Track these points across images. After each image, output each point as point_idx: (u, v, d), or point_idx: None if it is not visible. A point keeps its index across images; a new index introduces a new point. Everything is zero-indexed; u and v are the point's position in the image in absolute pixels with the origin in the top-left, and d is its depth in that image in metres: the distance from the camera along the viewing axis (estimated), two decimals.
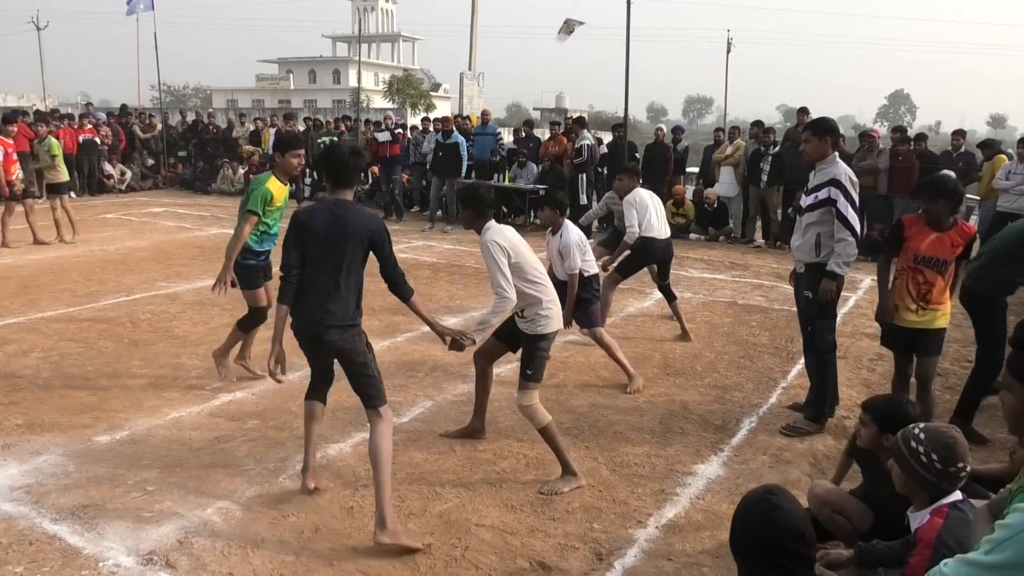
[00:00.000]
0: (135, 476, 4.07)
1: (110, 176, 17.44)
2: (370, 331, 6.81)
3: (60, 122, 16.47)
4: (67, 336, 6.57)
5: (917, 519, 2.55)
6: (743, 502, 2.03)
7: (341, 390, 5.40)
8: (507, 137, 16.67)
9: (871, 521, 3.19)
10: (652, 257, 6.82)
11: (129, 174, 17.78)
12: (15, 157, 10.94)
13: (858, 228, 4.73)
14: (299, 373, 5.74)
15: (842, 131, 5.12)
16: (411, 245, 11.57)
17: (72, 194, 15.92)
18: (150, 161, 19.02)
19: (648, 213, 6.62)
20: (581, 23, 16.97)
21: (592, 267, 5.80)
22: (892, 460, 2.62)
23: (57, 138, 12.62)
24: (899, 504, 3.05)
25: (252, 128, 18.83)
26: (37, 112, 15.91)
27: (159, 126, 19.52)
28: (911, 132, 12.14)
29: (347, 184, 3.71)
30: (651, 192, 6.93)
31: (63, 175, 11.49)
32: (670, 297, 7.09)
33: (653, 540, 3.61)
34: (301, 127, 17.44)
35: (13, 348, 6.22)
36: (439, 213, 13.85)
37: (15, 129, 11.91)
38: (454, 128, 13.73)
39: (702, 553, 3.49)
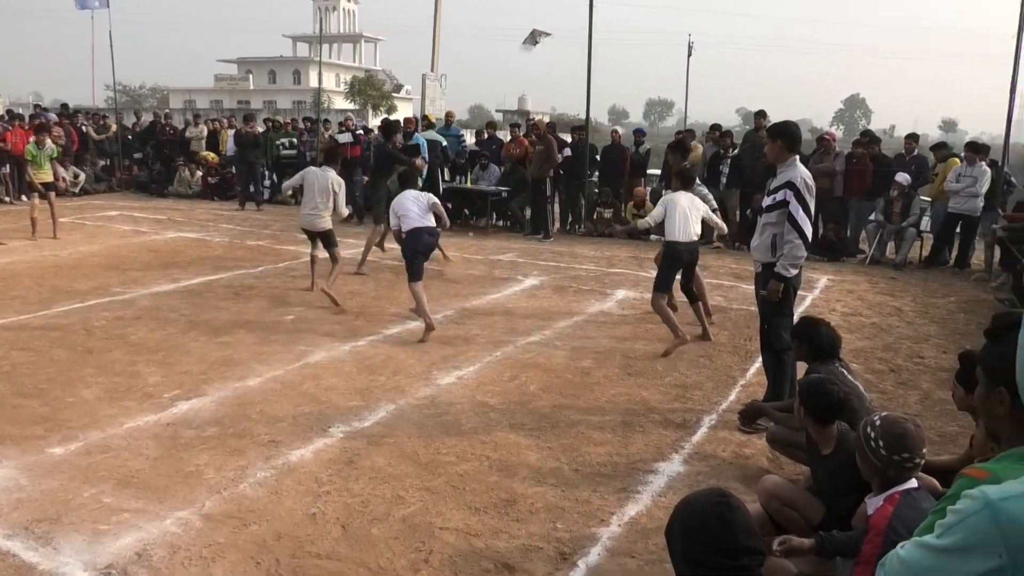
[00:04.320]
0: (90, 488, 3.99)
1: (63, 179, 17.03)
2: (331, 335, 6.81)
3: (10, 123, 16.06)
4: (18, 345, 6.41)
5: (872, 505, 2.63)
6: (690, 509, 1.98)
7: (302, 395, 5.37)
8: (469, 139, 16.64)
9: (822, 513, 3.27)
10: (679, 260, 6.74)
11: (83, 176, 17.37)
12: None
13: (808, 231, 4.83)
14: (259, 379, 5.68)
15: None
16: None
17: (24, 196, 15.56)
18: (102, 162, 18.60)
19: (675, 217, 6.60)
20: (547, 34, 17.01)
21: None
22: (856, 450, 2.75)
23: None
24: (843, 493, 3.14)
25: (207, 129, 18.51)
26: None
27: (113, 127, 19.11)
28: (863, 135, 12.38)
29: None
30: (692, 196, 6.86)
31: (51, 175, 11.77)
32: (692, 298, 7.11)
33: (616, 538, 3.64)
34: (260, 128, 17.21)
35: None
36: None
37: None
38: (415, 129, 13.64)
39: (664, 550, 3.51)
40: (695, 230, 6.75)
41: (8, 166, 15.67)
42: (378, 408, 5.18)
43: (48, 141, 11.96)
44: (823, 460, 3.35)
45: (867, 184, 11.45)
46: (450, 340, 6.78)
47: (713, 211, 7.43)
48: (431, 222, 7.08)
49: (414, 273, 6.91)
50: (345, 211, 8.92)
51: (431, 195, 7.30)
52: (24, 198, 15.47)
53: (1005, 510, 1.16)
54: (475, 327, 7.23)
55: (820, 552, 2.82)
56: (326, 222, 8.31)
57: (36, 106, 24.69)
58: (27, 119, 17.06)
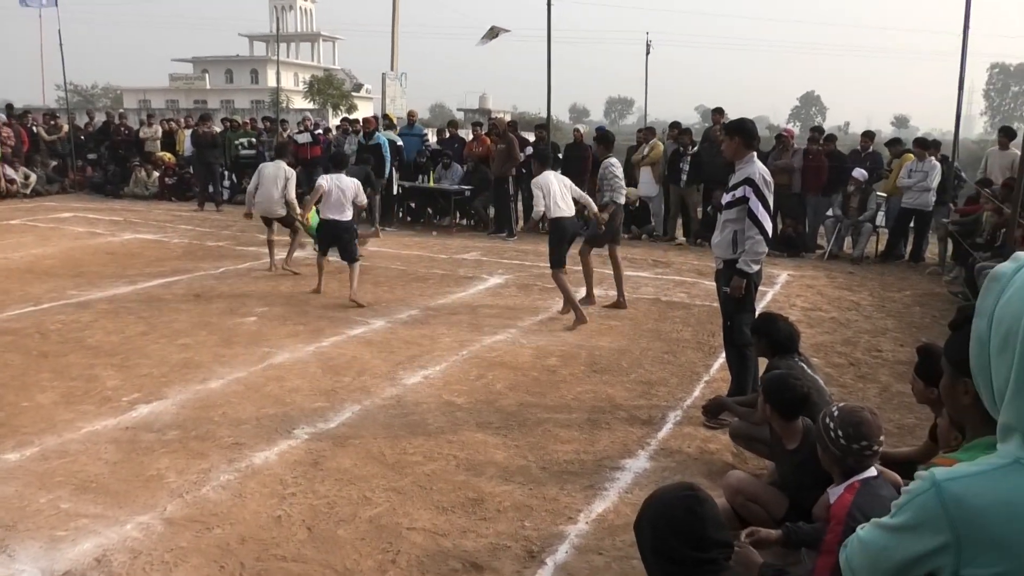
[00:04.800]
0: (47, 494, 3.89)
1: (13, 180, 16.58)
2: (295, 336, 6.74)
3: None
4: None
5: (833, 495, 2.68)
6: (659, 503, 1.99)
7: (266, 397, 5.30)
8: (431, 138, 16.57)
9: (786, 507, 3.32)
10: (565, 234, 7.49)
11: (34, 178, 16.93)
12: None
13: (768, 227, 4.90)
14: (221, 381, 5.60)
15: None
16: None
17: None
18: (53, 163, 18.14)
19: (553, 194, 7.35)
20: (507, 31, 17.00)
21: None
22: (816, 440, 2.80)
23: None
24: (808, 487, 3.20)
25: (162, 129, 18.16)
26: None
27: (65, 127, 18.64)
28: (823, 133, 12.61)
29: None
30: (557, 175, 7.63)
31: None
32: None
33: (584, 535, 3.66)
34: (218, 128, 16.94)
35: None
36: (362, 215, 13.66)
37: None
38: (376, 129, 13.57)
39: (631, 546, 3.53)
40: (570, 205, 7.49)
41: None
42: (343, 409, 5.13)
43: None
44: (788, 455, 3.40)
45: (823, 180, 11.66)
46: (415, 339, 6.75)
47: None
48: (346, 216, 8.18)
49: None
50: (294, 198, 9.31)
51: (356, 182, 8.32)
52: None
53: (949, 490, 1.21)
54: (440, 326, 7.21)
55: (787, 544, 2.86)
56: (282, 209, 9.27)
57: None
58: None
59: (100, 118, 19.94)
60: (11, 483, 4.00)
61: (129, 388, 5.43)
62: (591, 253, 8.09)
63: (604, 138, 8.29)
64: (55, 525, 3.60)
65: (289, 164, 9.51)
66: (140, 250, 10.90)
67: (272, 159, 9.96)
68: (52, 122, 18.78)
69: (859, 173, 11.20)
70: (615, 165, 7.97)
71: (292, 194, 9.25)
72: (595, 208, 7.90)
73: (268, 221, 9.50)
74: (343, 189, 8.17)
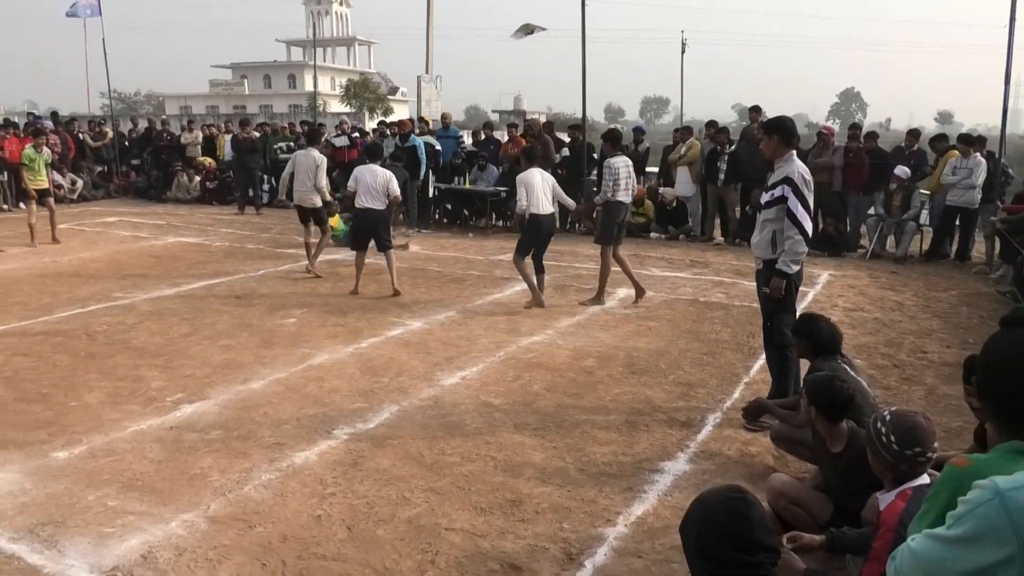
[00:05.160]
0: (95, 491, 3.98)
1: (60, 186, 17.01)
2: (334, 337, 6.81)
3: (5, 131, 16.03)
4: (20, 351, 6.39)
5: (883, 501, 2.62)
6: (710, 504, 1.99)
7: (306, 397, 5.36)
8: (467, 140, 16.63)
9: (830, 511, 3.26)
10: (540, 231, 7.89)
11: (80, 183, 17.34)
12: None
13: (808, 226, 4.82)
14: (262, 382, 5.67)
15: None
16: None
17: (21, 204, 15.55)
18: (99, 169, 18.57)
19: (535, 191, 7.72)
20: (542, 29, 16.96)
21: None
22: (867, 444, 2.74)
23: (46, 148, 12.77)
24: (853, 491, 3.14)
25: (202, 135, 18.49)
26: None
27: (110, 134, 19.08)
28: (862, 130, 12.39)
29: None
30: (541, 171, 7.99)
31: (47, 181, 12.04)
32: (539, 269, 8.10)
33: (623, 538, 3.63)
34: (257, 133, 17.19)
35: None
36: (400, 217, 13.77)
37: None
38: (411, 131, 13.65)
39: (671, 549, 3.52)
40: (551, 202, 7.91)
41: (5, 174, 15.64)
42: (382, 409, 5.17)
43: (45, 147, 12.08)
44: (833, 458, 3.34)
45: (864, 178, 11.45)
46: (453, 341, 6.78)
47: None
48: (381, 204, 8.34)
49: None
50: (324, 185, 9.43)
51: (390, 173, 8.45)
52: (22, 205, 15.49)
53: (1015, 499, 1.16)
54: (477, 327, 7.22)
55: (831, 549, 2.81)
56: (316, 198, 9.34)
57: (30, 114, 24.66)
58: (22, 127, 17.01)
59: (143, 124, 20.34)
60: (61, 480, 4.10)
61: (173, 388, 5.53)
62: (619, 250, 8.17)
63: (611, 136, 8.38)
64: (103, 522, 3.68)
65: (321, 152, 9.72)
66: (182, 253, 11.11)
67: (304, 147, 10.00)
68: (97, 129, 19.23)
69: (901, 171, 10.98)
70: (612, 167, 7.88)
71: (323, 181, 9.34)
72: (571, 203, 8.71)
73: (304, 216, 9.52)
74: (376, 176, 8.31)
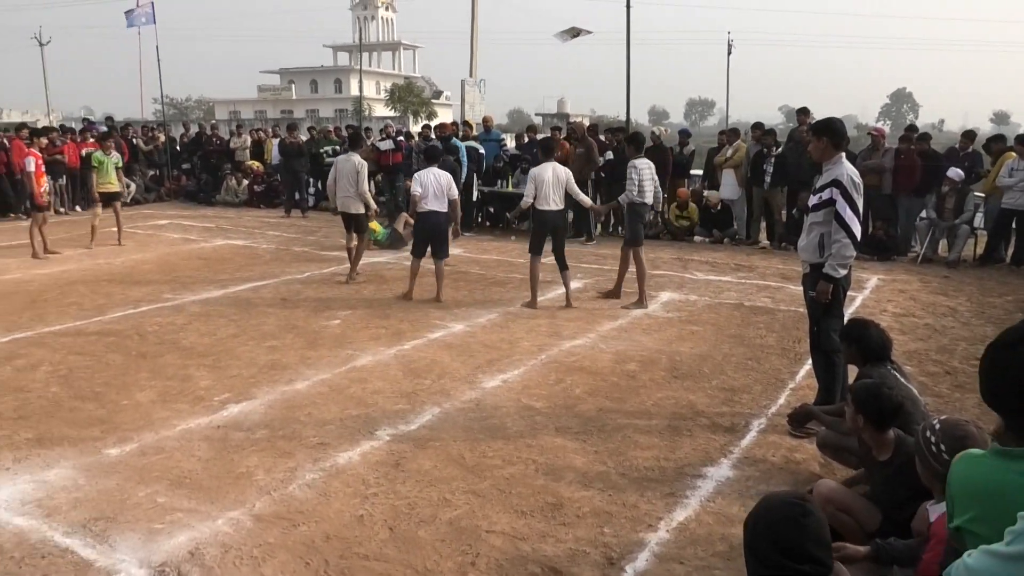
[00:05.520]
0: (145, 488, 4.08)
1: (127, 187, 17.49)
2: (377, 339, 6.87)
3: (64, 137, 16.54)
4: (75, 350, 6.59)
5: (934, 512, 2.55)
6: (769, 504, 2.00)
7: (349, 398, 5.42)
8: (510, 143, 16.66)
9: (879, 520, 3.19)
10: (546, 226, 7.98)
11: (133, 187, 17.81)
12: (44, 169, 11.70)
13: (857, 230, 4.71)
14: (307, 383, 5.76)
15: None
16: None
17: (77, 208, 16.03)
18: (151, 173, 19.06)
19: (545, 187, 7.79)
20: (588, 32, 16.93)
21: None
22: (916, 454, 2.67)
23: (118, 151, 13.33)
24: (900, 500, 3.06)
25: (250, 140, 18.85)
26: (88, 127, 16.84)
27: (162, 138, 19.57)
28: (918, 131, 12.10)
29: None
30: (556, 166, 8.02)
31: (118, 185, 12.46)
32: (562, 267, 8.12)
33: (664, 544, 3.60)
34: (304, 137, 17.47)
35: (22, 363, 6.23)
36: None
37: (45, 142, 13.02)
38: (452, 134, 13.70)
39: (714, 556, 3.48)
40: (560, 199, 7.93)
41: (64, 178, 16.13)
42: (424, 411, 5.20)
43: (113, 150, 12.56)
44: (879, 466, 3.27)
45: (916, 180, 11.18)
46: (494, 343, 6.79)
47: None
48: (444, 207, 8.25)
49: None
50: (366, 190, 9.27)
51: (449, 176, 8.37)
52: (78, 208, 15.96)
53: None
54: (519, 330, 7.23)
55: (877, 560, 2.75)
56: (358, 204, 9.18)
57: (85, 120, 25.42)
58: (78, 133, 17.53)
59: (194, 129, 20.83)
60: (113, 477, 4.21)
61: (220, 388, 5.64)
62: (639, 253, 8.22)
63: (634, 139, 8.69)
64: (152, 518, 3.77)
65: (364, 158, 9.50)
66: (230, 255, 11.33)
67: (345, 151, 9.82)
68: (150, 134, 19.75)
69: (954, 173, 10.69)
70: (636, 168, 8.11)
71: (365, 186, 9.19)
72: (587, 201, 8.78)
73: (347, 221, 9.38)
74: (439, 179, 8.21)
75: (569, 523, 3.76)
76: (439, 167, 8.63)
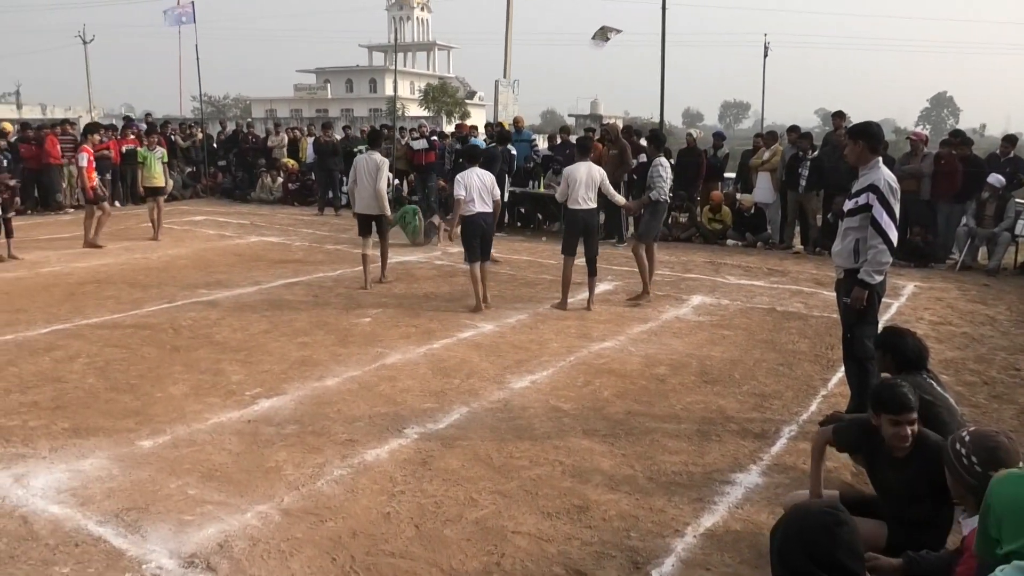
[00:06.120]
0: (176, 480, 4.14)
1: (170, 182, 17.78)
2: (406, 337, 6.91)
3: (106, 134, 16.85)
4: (112, 342, 6.71)
5: (968, 525, 2.50)
6: (802, 512, 1.97)
7: (378, 396, 5.45)
8: (542, 143, 16.67)
9: (885, 537, 3.12)
10: (577, 225, 7.98)
11: (171, 183, 18.10)
12: (95, 165, 12.23)
13: (893, 236, 4.64)
14: (337, 379, 5.80)
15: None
16: (446, 252, 11.62)
17: (117, 203, 16.32)
18: (188, 169, 19.37)
19: (578, 186, 7.80)
20: (618, 31, 16.88)
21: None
22: (945, 467, 2.61)
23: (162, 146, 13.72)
24: (917, 500, 3.00)
25: (287, 138, 19.07)
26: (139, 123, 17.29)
27: (199, 136, 19.88)
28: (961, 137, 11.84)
29: None
30: (591, 165, 8.02)
31: (163, 179, 12.84)
32: (591, 272, 8.11)
33: (691, 549, 3.57)
34: (339, 136, 17.62)
35: (60, 354, 6.37)
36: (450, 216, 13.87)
37: (97, 138, 13.35)
38: (469, 134, 13.69)
39: (741, 563, 3.44)
40: (592, 198, 7.93)
41: (109, 173, 16.46)
42: (452, 410, 5.22)
43: (159, 146, 13.00)
44: (897, 463, 3.19)
45: (956, 186, 10.96)
46: (523, 344, 6.79)
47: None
48: (490, 208, 8.05)
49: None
50: (383, 188, 8.85)
51: (492, 176, 8.16)
52: (118, 204, 16.26)
53: None
54: (548, 331, 7.22)
55: (908, 572, 2.70)
56: (381, 205, 8.85)
57: (126, 118, 25.89)
58: (119, 130, 17.86)
59: (231, 127, 21.12)
60: (145, 468, 4.28)
61: (252, 383, 5.70)
62: (652, 248, 8.48)
63: (655, 138, 8.88)
64: (183, 510, 3.83)
65: (384, 155, 9.10)
66: (264, 252, 11.47)
67: (366, 150, 9.20)
68: (188, 131, 20.06)
69: (995, 179, 10.46)
70: (663, 166, 8.26)
71: (382, 185, 8.79)
72: (620, 200, 8.80)
73: (365, 225, 9.01)
74: (483, 179, 7.95)
75: (595, 526, 3.75)
76: (483, 166, 8.28)
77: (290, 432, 4.81)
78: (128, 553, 3.44)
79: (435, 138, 16.05)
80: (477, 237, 7.99)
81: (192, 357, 6.33)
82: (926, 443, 3.09)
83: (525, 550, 3.51)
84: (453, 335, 7.07)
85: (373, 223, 9.03)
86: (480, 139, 13.48)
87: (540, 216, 14.58)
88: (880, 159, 4.76)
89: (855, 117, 9.39)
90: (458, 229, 8.14)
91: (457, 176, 8.12)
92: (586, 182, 7.84)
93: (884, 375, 4.21)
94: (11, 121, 16.97)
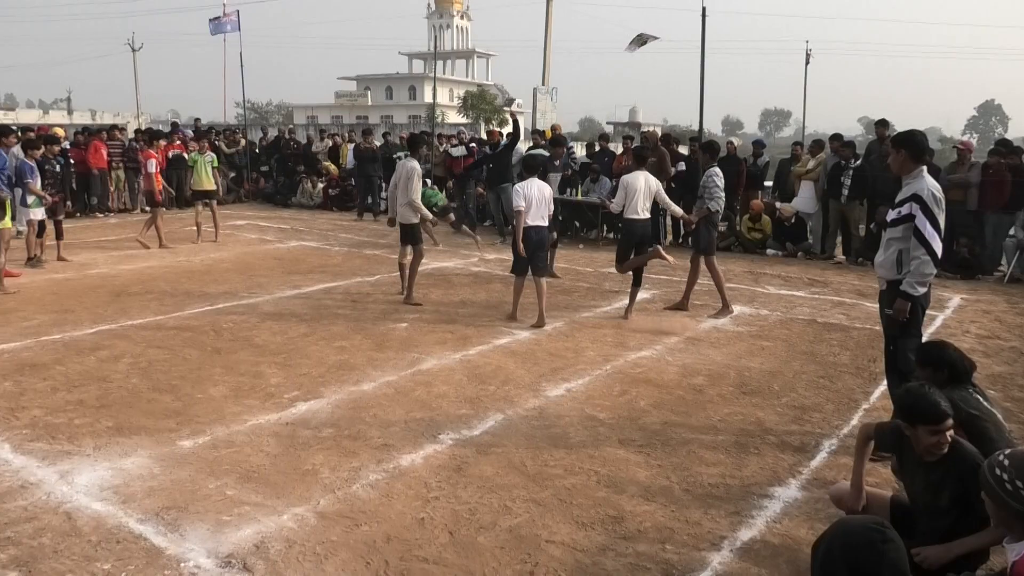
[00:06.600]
0: (215, 480, 4.20)
1: (219, 186, 18.10)
2: (443, 343, 6.93)
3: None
4: (155, 343, 6.84)
5: (1014, 551, 2.41)
6: (846, 527, 1.93)
7: (414, 401, 5.47)
8: (580, 151, 16.65)
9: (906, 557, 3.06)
10: (633, 236, 7.94)
11: (222, 187, 18.45)
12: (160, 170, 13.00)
13: (937, 247, 4.53)
14: (373, 384, 5.84)
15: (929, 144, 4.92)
16: (483, 258, 11.65)
17: (163, 208, 16.66)
18: (231, 174, 19.71)
19: (636, 196, 7.76)
20: (655, 38, 16.81)
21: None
22: (983, 492, 2.51)
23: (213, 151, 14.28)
24: (943, 509, 2.92)
25: (330, 144, 19.33)
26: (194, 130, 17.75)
27: (243, 142, 20.22)
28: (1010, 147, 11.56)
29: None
30: (647, 175, 7.97)
31: (212, 183, 13.12)
32: (636, 282, 8.09)
33: (727, 564, 3.51)
34: (379, 142, 17.80)
35: (105, 354, 6.51)
36: (488, 223, 13.92)
37: (164, 144, 14.20)
38: (498, 142, 13.66)
39: None
40: (647, 208, 7.91)
41: None
42: (487, 417, 5.22)
43: (209, 151, 13.39)
44: (926, 469, 3.10)
45: (1005, 196, 10.69)
46: (559, 352, 6.77)
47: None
48: (547, 222, 7.88)
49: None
50: (416, 198, 8.36)
51: (550, 188, 8.04)
52: (164, 208, 16.61)
53: None
54: (585, 340, 7.19)
55: None
56: (410, 215, 8.41)
57: (173, 123, 26.44)
58: (165, 135, 18.23)
59: (273, 133, 21.45)
60: (185, 468, 4.35)
61: (290, 386, 5.77)
62: (712, 262, 8.34)
63: (710, 147, 8.85)
64: (221, 510, 3.88)
65: (423, 160, 8.88)
66: (304, 256, 11.62)
67: (406, 156, 8.87)
68: (231, 137, 20.43)
69: None
70: (718, 175, 8.16)
71: (414, 194, 8.32)
72: (678, 211, 8.48)
73: (404, 234, 8.62)
74: (543, 192, 7.70)
75: (630, 537, 3.71)
76: (540, 176, 7.95)
77: (327, 435, 4.85)
78: (167, 551, 3.49)
79: (473, 145, 16.12)
80: (529, 251, 7.67)
81: (232, 359, 6.42)
82: (959, 449, 3.02)
83: (559, 560, 3.49)
84: (489, 342, 7.07)
85: (407, 232, 8.60)
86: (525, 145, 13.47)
87: (577, 224, 14.55)
88: (924, 168, 4.66)
89: (899, 125, 9.24)
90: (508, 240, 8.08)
91: (516, 186, 7.79)
92: (644, 192, 7.82)
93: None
94: (64, 126, 17.46)
